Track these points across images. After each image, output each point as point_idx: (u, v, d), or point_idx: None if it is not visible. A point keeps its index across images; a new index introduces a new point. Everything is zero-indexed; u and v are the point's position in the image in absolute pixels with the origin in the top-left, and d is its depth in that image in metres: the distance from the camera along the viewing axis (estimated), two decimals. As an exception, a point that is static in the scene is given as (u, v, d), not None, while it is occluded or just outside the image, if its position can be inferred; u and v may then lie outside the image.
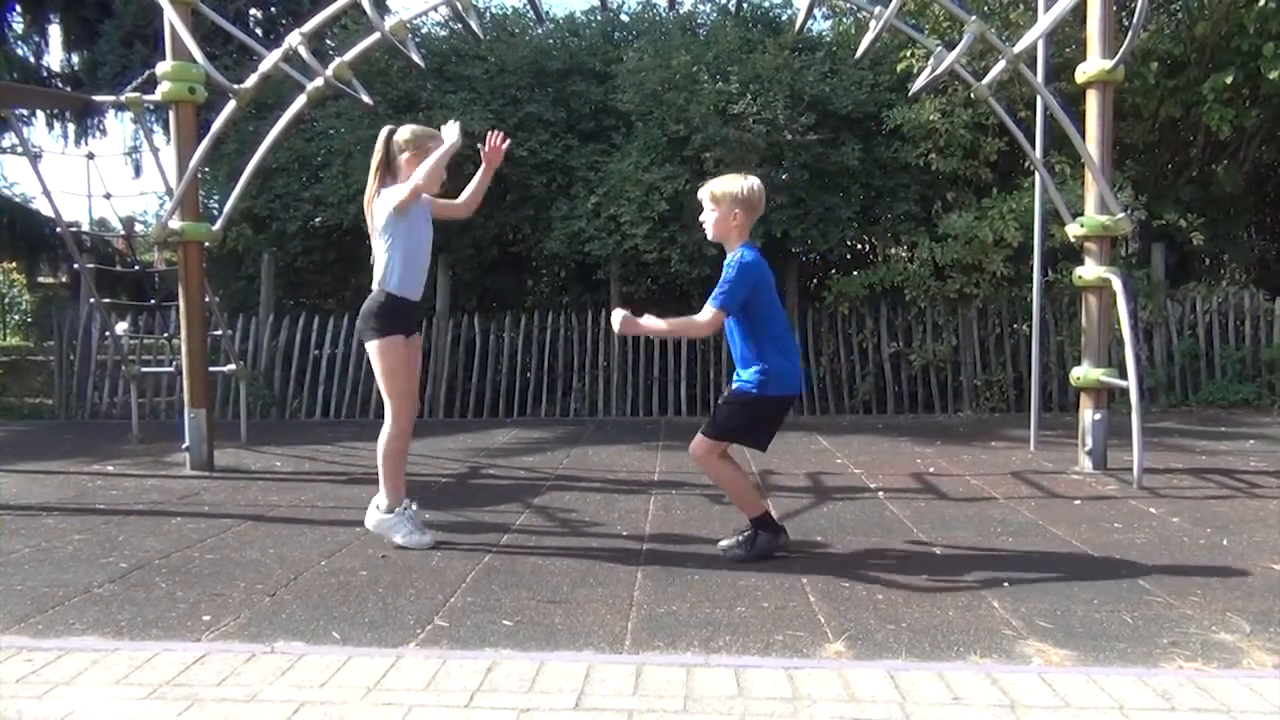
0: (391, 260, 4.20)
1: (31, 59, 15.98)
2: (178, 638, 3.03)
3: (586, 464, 6.67)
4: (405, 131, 4.31)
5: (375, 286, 4.24)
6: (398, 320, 4.22)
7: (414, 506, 4.31)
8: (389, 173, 4.29)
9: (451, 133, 4.28)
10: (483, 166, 4.61)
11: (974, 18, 5.76)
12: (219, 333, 7.47)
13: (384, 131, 4.32)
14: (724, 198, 3.94)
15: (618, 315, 3.91)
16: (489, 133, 4.52)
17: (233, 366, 7.57)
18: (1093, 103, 5.97)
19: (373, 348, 4.22)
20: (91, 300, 8.34)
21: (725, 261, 3.93)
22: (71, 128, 16.38)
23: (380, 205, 4.22)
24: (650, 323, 3.97)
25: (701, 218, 4.06)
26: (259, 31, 12.98)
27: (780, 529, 4.10)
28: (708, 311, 3.88)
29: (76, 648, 2.93)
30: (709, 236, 4.03)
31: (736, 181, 3.98)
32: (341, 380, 10.02)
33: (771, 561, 3.93)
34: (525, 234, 10.34)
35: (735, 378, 4.05)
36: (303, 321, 10.13)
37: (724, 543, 4.12)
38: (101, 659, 2.84)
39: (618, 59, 10.10)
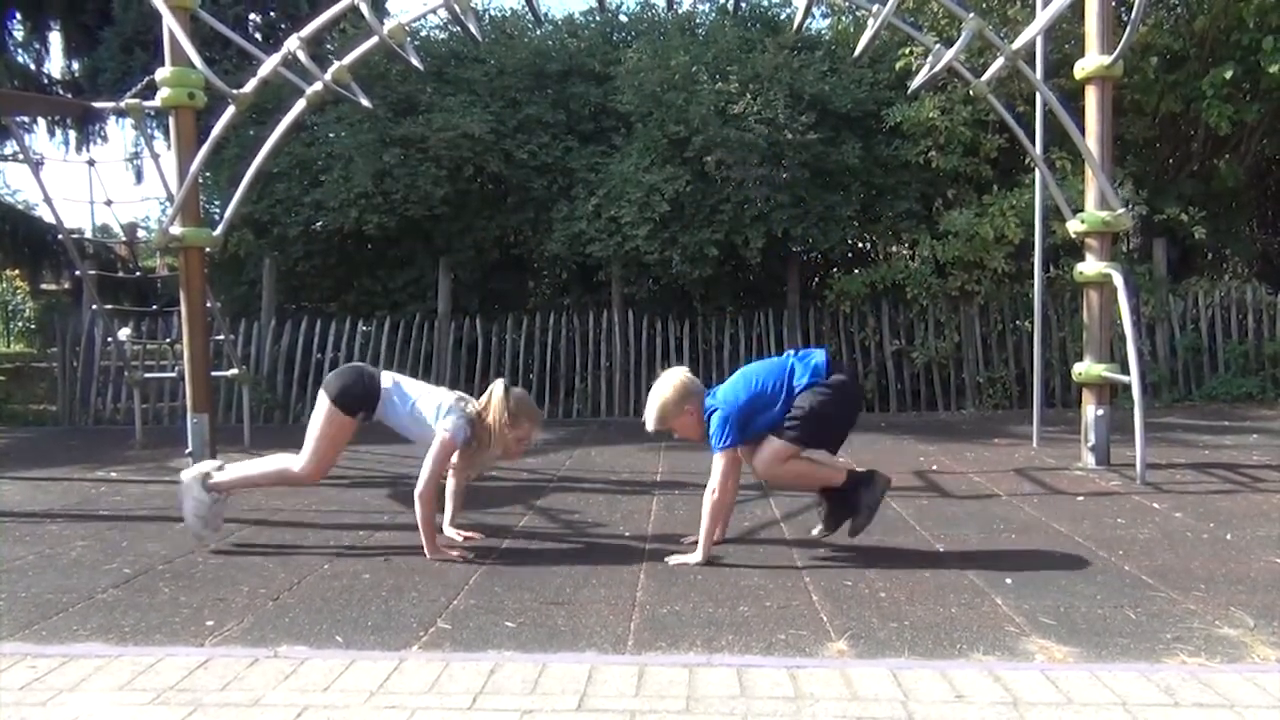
0: (409, 410, 4.15)
1: (32, 66, 16.00)
2: (181, 643, 3.03)
3: (589, 465, 6.67)
4: (522, 406, 4.17)
5: (384, 382, 4.19)
6: (361, 407, 4.17)
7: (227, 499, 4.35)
8: (501, 426, 4.10)
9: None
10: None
11: (972, 15, 5.76)
12: (221, 338, 7.48)
13: (505, 393, 4.14)
14: (667, 412, 3.99)
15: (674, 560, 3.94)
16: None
17: (235, 371, 7.58)
18: (1092, 99, 5.96)
19: (325, 409, 4.16)
20: (94, 306, 8.36)
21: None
22: (72, 134, 16.39)
23: (448, 405, 4.09)
24: (706, 533, 3.94)
25: (675, 438, 4.16)
26: (258, 36, 12.98)
27: (875, 479, 4.01)
28: (718, 460, 3.90)
29: (80, 654, 2.94)
30: (699, 440, 4.05)
31: (659, 394, 4.00)
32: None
33: (774, 561, 3.93)
34: (526, 236, 10.35)
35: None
36: (304, 326, 10.14)
37: (815, 530, 4.16)
38: (105, 665, 2.84)
39: (617, 60, 10.10)
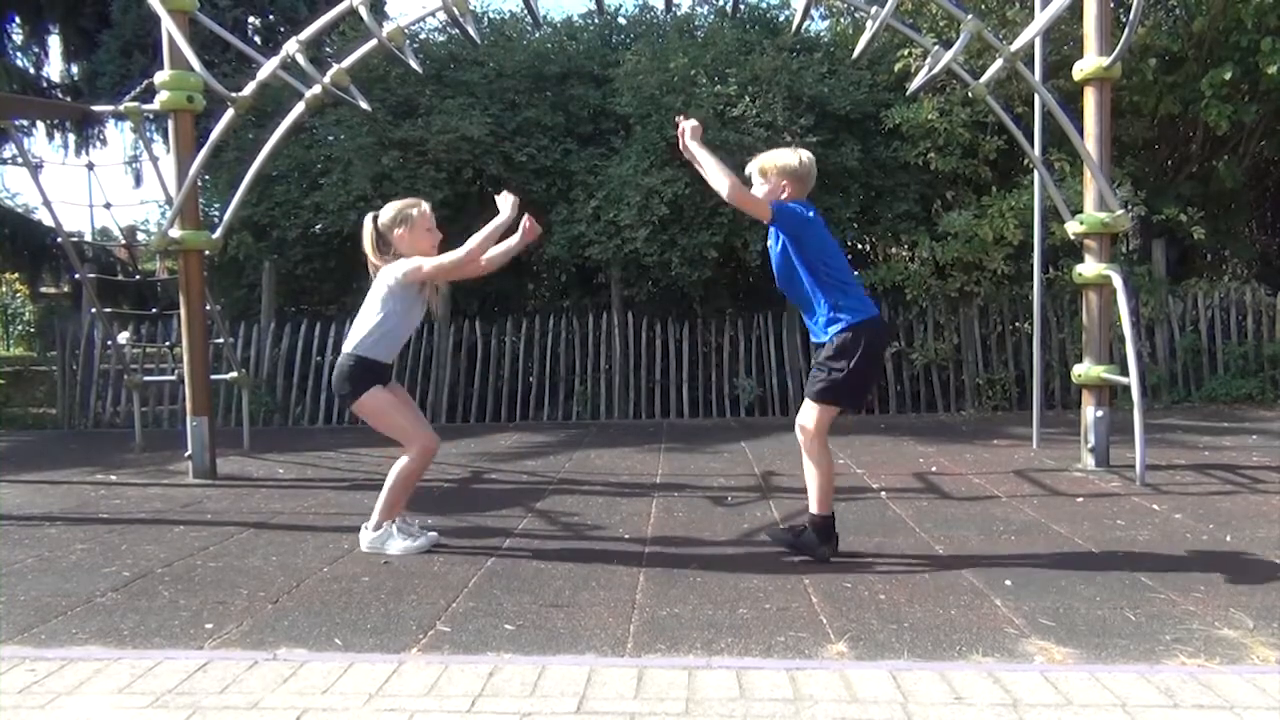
0: (374, 330, 4.14)
1: (31, 70, 16.00)
2: (180, 646, 3.03)
3: (589, 467, 6.67)
4: (385, 213, 4.23)
5: (347, 347, 4.17)
6: (370, 378, 4.15)
7: (405, 515, 4.34)
8: (385, 254, 4.23)
9: (505, 205, 4.28)
10: (516, 239, 4.39)
11: (970, 16, 5.76)
12: (221, 340, 7.48)
13: (367, 221, 4.25)
14: (773, 170, 3.94)
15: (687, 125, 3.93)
16: (525, 219, 4.38)
17: (235, 374, 7.57)
18: (1090, 100, 5.96)
19: (357, 408, 4.19)
20: (93, 310, 8.36)
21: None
22: (71, 138, 16.40)
23: (386, 273, 4.16)
24: (702, 151, 3.91)
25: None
26: (257, 40, 13.01)
27: (834, 540, 4.01)
28: (764, 200, 3.85)
29: (79, 657, 2.94)
30: (759, 201, 3.97)
31: (785, 154, 3.97)
32: (344, 387, 10.00)
33: (774, 563, 3.94)
34: (526, 238, 10.33)
35: (818, 337, 4.00)
36: (304, 328, 10.14)
37: (770, 533, 4.20)
38: (104, 668, 2.84)
39: (615, 62, 10.11)
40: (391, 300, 4.14)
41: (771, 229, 3.96)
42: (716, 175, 3.84)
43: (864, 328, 3.87)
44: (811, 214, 3.90)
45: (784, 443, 7.43)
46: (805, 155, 3.98)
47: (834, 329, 3.87)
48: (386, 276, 4.15)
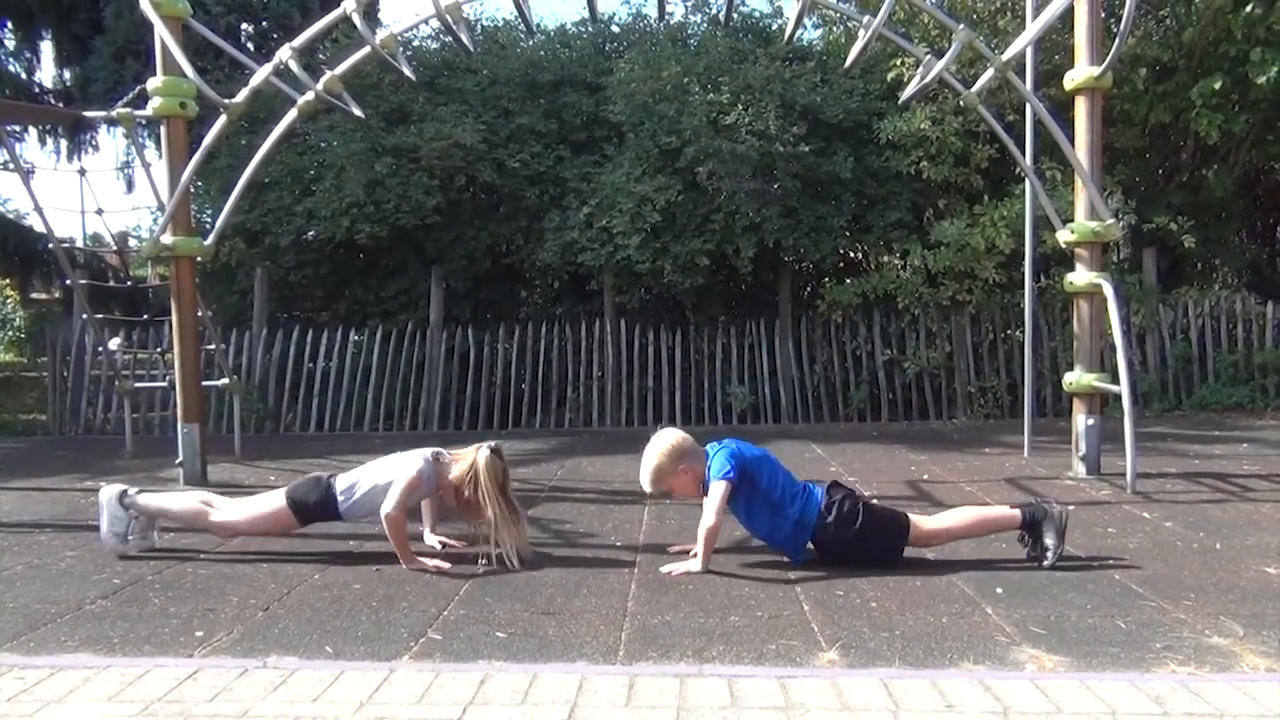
0: (363, 495, 4.12)
1: (23, 75, 16.00)
2: (170, 654, 3.02)
3: (581, 475, 6.67)
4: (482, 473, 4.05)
5: (332, 482, 4.19)
6: (321, 513, 4.21)
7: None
8: (446, 484, 4.14)
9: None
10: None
11: (962, 26, 5.79)
12: (212, 347, 7.47)
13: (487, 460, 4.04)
14: (663, 473, 3.97)
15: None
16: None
17: (226, 381, 7.56)
18: (1081, 109, 5.99)
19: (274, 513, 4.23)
20: (85, 316, 8.33)
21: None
22: (64, 143, 16.40)
23: (408, 462, 4.10)
24: (704, 555, 3.93)
25: (670, 501, 4.21)
26: (250, 46, 13.01)
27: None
28: (714, 489, 3.87)
29: (69, 665, 2.92)
30: (695, 498, 4.06)
31: (653, 455, 3.98)
32: (335, 393, 10.01)
33: (765, 571, 3.93)
34: (518, 245, 10.36)
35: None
36: (296, 335, 10.13)
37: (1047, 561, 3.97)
38: (94, 676, 2.82)
39: (608, 70, 10.14)
40: (381, 488, 4.09)
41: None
42: (708, 538, 3.90)
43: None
44: (740, 461, 3.92)
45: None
46: (667, 437, 4.00)
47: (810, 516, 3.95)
48: (404, 467, 4.08)
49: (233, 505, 4.31)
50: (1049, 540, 3.90)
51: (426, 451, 4.15)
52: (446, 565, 4.02)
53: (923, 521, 4.04)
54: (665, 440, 4.01)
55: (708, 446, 4.02)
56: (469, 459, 4.05)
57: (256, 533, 4.33)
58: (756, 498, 3.95)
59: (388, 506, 3.97)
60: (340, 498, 4.15)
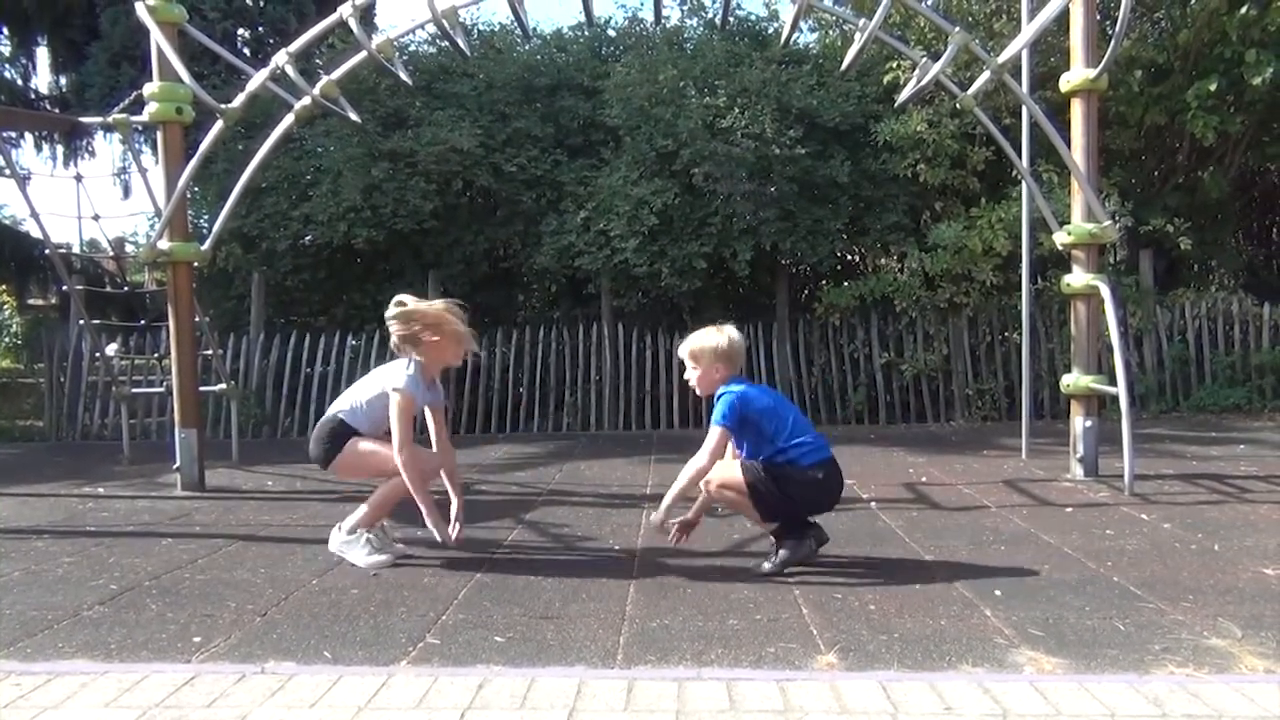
0: (363, 412, 4.19)
1: (19, 81, 15.99)
2: (168, 659, 3.01)
3: (579, 479, 6.67)
4: (427, 315, 4.23)
5: (334, 411, 4.26)
6: (346, 437, 4.21)
7: (385, 524, 4.37)
8: (410, 343, 4.21)
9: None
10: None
11: (958, 29, 5.79)
12: (209, 352, 7.46)
13: (403, 310, 4.19)
14: (703, 355, 4.03)
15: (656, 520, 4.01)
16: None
17: (223, 386, 7.55)
18: (1077, 111, 6.00)
19: (337, 463, 4.23)
20: (81, 321, 8.33)
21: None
22: (60, 149, 16.39)
23: (392, 377, 4.14)
24: (676, 489, 3.99)
25: (685, 376, 4.18)
26: (246, 51, 13.01)
27: (809, 531, 4.03)
28: (712, 432, 3.92)
29: (66, 671, 2.91)
30: (698, 393, 4.12)
31: (712, 336, 4.04)
32: (333, 398, 9.94)
33: (764, 573, 3.93)
34: (515, 249, 10.36)
35: None
36: (294, 340, 10.12)
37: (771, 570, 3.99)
38: (91, 682, 2.82)
39: (605, 74, 10.15)
40: (380, 400, 4.16)
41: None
42: (690, 477, 3.96)
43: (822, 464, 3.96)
44: (743, 410, 3.93)
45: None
46: (732, 335, 4.06)
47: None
48: (389, 381, 4.13)
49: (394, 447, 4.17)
50: (784, 553, 3.94)
51: (400, 365, 4.19)
52: (462, 535, 4.19)
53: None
54: (725, 336, 4.04)
55: (732, 382, 4.01)
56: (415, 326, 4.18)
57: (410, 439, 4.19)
58: (762, 440, 3.95)
59: (398, 452, 4.02)
60: (348, 421, 4.18)
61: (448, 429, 4.58)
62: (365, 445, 4.19)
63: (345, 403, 4.28)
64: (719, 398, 3.99)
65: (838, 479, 4.02)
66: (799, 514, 4.00)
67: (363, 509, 4.26)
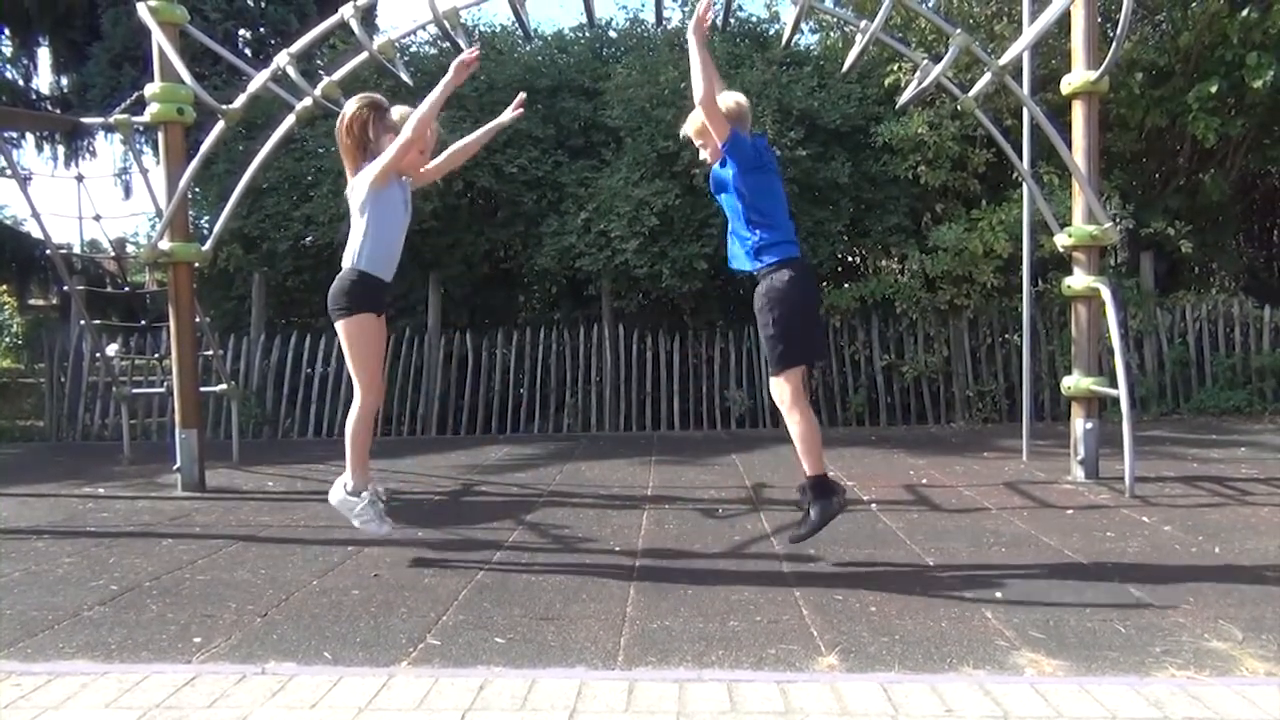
0: (365, 239, 4.23)
1: (20, 82, 15.98)
2: (168, 660, 3.01)
3: (579, 480, 6.66)
4: (374, 107, 4.34)
5: (346, 264, 4.25)
6: (369, 298, 4.21)
7: (380, 491, 4.38)
8: (365, 153, 4.29)
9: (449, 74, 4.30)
10: (450, 76, 4.40)
11: (959, 31, 5.79)
12: (210, 353, 7.46)
13: (350, 110, 4.32)
14: (721, 107, 4.01)
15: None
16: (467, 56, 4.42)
17: (224, 386, 7.55)
18: (1078, 113, 6.00)
19: (343, 326, 4.20)
20: (82, 322, 8.33)
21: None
22: (61, 150, 16.39)
23: (359, 181, 4.24)
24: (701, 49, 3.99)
25: (701, 156, 4.24)
26: (247, 52, 13.01)
27: (838, 489, 4.07)
28: (726, 126, 3.95)
29: (66, 671, 2.92)
30: (704, 142, 4.15)
31: (737, 97, 4.09)
32: (334, 399, 9.99)
33: (765, 575, 3.93)
34: (516, 250, 10.36)
35: (739, 264, 4.18)
36: (294, 341, 10.12)
37: (792, 540, 4.16)
38: (91, 682, 2.82)
39: (606, 76, 10.14)
40: (370, 206, 4.23)
41: (724, 152, 4.03)
42: (700, 76, 3.95)
43: (793, 262, 4.04)
44: (762, 159, 4.03)
45: (775, 455, 7.44)
46: (739, 96, 4.11)
47: (765, 259, 4.04)
48: (360, 189, 4.23)
49: (358, 387, 4.26)
50: (813, 519, 3.99)
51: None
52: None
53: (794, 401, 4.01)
54: (731, 99, 4.06)
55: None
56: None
57: (380, 375, 4.35)
58: (759, 192, 4.02)
59: (409, 128, 4.18)
60: (365, 265, 4.24)
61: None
62: (377, 336, 4.25)
63: (350, 253, 4.28)
64: (728, 145, 3.99)
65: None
66: (812, 333, 4.12)
67: (350, 459, 4.31)
